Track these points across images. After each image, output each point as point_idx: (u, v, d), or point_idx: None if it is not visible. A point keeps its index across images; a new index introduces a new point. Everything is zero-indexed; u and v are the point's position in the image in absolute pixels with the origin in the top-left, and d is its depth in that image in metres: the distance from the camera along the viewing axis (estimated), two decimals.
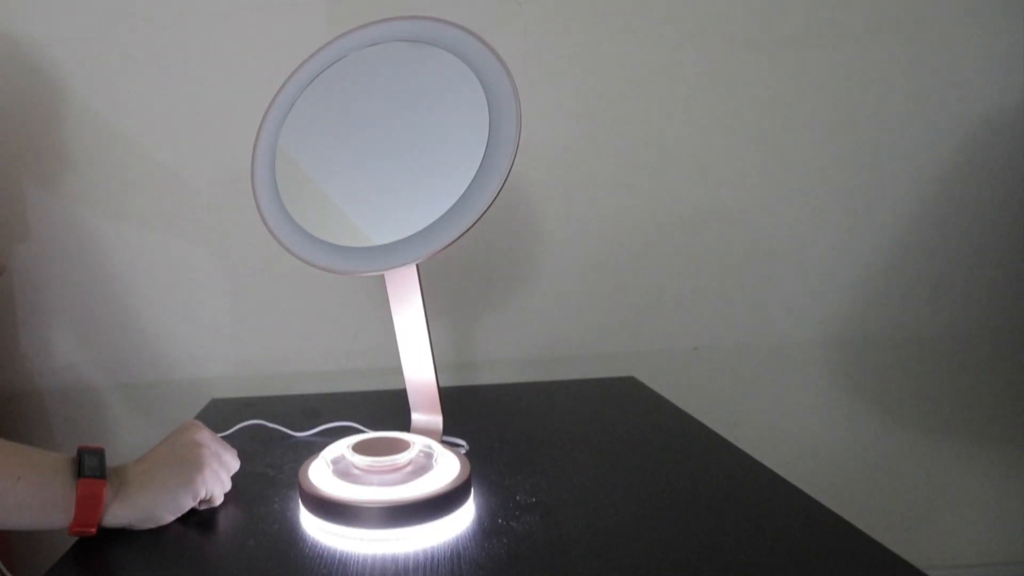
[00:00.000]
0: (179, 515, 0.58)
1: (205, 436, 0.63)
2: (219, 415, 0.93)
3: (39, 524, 0.53)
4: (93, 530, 0.54)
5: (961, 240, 1.15)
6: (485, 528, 0.57)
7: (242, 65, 1.05)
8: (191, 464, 0.59)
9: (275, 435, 0.83)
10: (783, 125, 1.11)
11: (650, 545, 0.53)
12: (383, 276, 0.66)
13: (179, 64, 1.05)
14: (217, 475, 0.61)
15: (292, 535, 0.57)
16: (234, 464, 0.66)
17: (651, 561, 0.51)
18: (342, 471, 0.60)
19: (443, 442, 0.68)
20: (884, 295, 1.16)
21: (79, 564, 0.54)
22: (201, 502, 0.60)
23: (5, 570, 0.67)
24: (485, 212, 0.60)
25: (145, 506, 0.56)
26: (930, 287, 1.16)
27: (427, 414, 0.71)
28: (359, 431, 0.80)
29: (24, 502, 0.52)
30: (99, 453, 0.56)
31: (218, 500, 0.62)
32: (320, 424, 0.84)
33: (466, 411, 0.91)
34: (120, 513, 0.55)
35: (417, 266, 0.64)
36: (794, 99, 1.11)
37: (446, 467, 0.60)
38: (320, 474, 0.60)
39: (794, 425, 1.19)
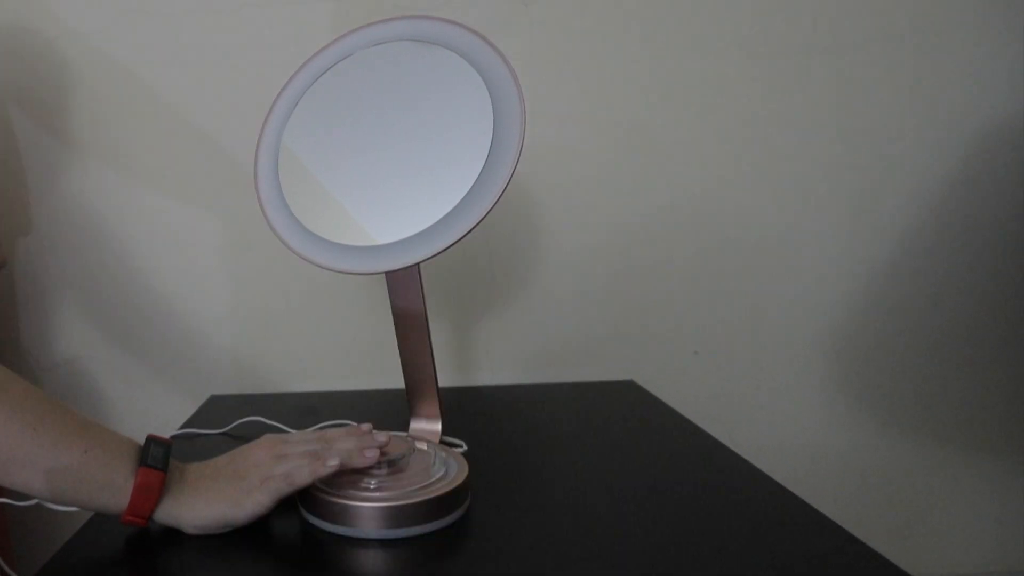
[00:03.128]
0: (228, 530, 0.56)
1: (264, 452, 0.58)
2: (218, 412, 0.93)
3: (95, 503, 0.53)
4: (144, 522, 0.54)
5: (964, 248, 1.15)
6: (482, 529, 0.57)
7: (247, 61, 1.05)
8: (248, 483, 0.56)
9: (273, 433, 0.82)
10: (787, 132, 1.11)
11: (646, 549, 0.53)
12: (384, 275, 0.66)
13: (184, 60, 1.05)
14: (279, 492, 0.55)
15: (288, 535, 0.57)
16: (321, 469, 0.57)
17: (647, 565, 0.51)
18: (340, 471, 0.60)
19: (442, 443, 0.68)
20: (886, 303, 1.16)
21: (74, 557, 0.54)
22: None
23: (7, 568, 0.67)
24: (487, 214, 0.60)
25: (193, 511, 0.54)
26: (933, 295, 1.16)
27: (426, 414, 0.71)
28: None
29: (86, 477, 0.52)
30: (166, 446, 0.55)
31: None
32: (318, 423, 0.84)
33: (465, 412, 0.91)
34: (171, 511, 0.54)
35: (418, 266, 0.64)
36: (798, 106, 1.11)
37: (444, 468, 0.60)
38: None
39: (793, 432, 1.18)
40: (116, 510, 0.53)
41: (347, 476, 0.58)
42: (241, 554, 0.54)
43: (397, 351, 0.69)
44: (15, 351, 1.10)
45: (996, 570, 1.24)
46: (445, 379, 1.09)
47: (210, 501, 0.55)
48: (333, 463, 0.56)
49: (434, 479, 0.58)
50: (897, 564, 0.50)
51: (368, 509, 0.54)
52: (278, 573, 0.51)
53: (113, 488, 0.52)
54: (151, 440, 0.55)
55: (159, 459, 0.54)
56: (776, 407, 1.18)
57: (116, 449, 0.53)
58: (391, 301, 0.67)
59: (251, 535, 0.56)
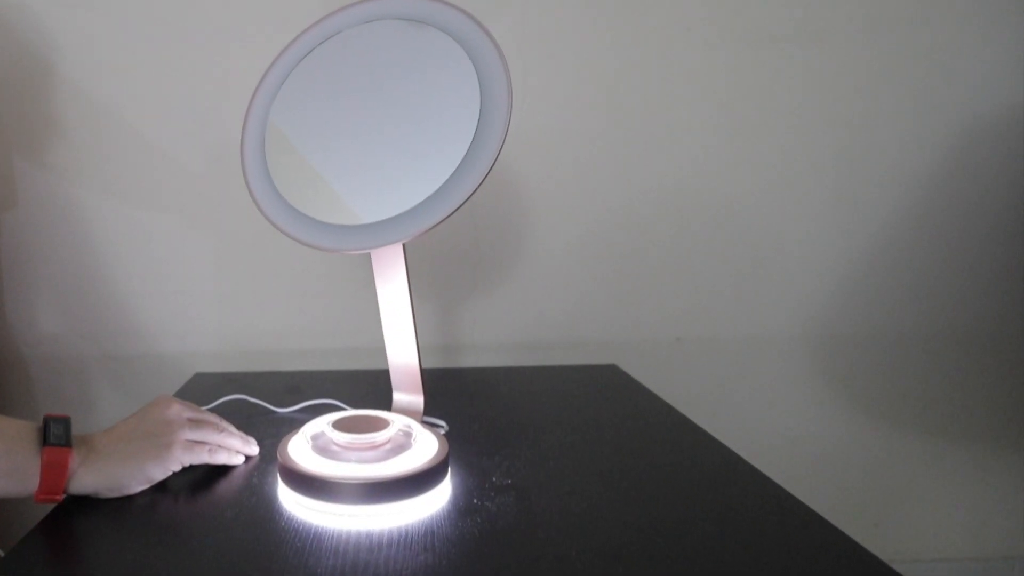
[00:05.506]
0: (147, 486, 0.59)
1: (175, 411, 0.63)
2: (202, 389, 0.93)
3: (6, 491, 0.53)
4: (59, 497, 0.54)
5: (947, 240, 1.16)
6: (460, 507, 0.57)
7: (235, 39, 1.05)
8: (161, 438, 0.59)
9: (257, 410, 0.83)
10: (774, 119, 1.12)
11: (620, 528, 0.54)
12: (369, 255, 0.66)
13: (170, 37, 1.04)
14: (191, 449, 0.61)
15: (269, 509, 0.57)
16: (213, 436, 0.64)
17: (619, 544, 0.52)
18: (321, 447, 0.60)
19: (423, 422, 0.69)
20: (868, 292, 1.17)
21: (53, 534, 0.54)
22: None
23: None
24: (472, 195, 0.60)
25: (113, 474, 0.57)
26: (913, 286, 1.17)
27: (409, 394, 0.71)
28: (340, 409, 0.81)
29: None
30: (64, 421, 0.56)
31: (228, 460, 0.65)
32: (302, 401, 0.85)
33: (448, 393, 0.92)
34: (87, 480, 0.55)
35: (403, 246, 0.64)
36: (787, 94, 1.11)
37: (425, 446, 0.61)
38: (299, 449, 0.60)
39: (771, 418, 1.20)
40: (28, 492, 0.53)
41: (328, 451, 0.59)
42: (221, 527, 0.54)
43: (382, 331, 0.69)
44: None
45: (960, 556, 1.26)
46: (429, 361, 1.10)
47: (127, 462, 0.57)
48: (251, 451, 0.67)
49: (414, 457, 0.59)
50: (868, 549, 0.51)
51: (348, 484, 0.55)
52: (259, 546, 0.52)
53: (20, 473, 0.53)
54: (49, 420, 0.55)
55: (61, 436, 0.55)
56: (756, 394, 1.19)
57: (15, 435, 0.54)
58: (376, 280, 0.67)
59: (231, 509, 0.57)
